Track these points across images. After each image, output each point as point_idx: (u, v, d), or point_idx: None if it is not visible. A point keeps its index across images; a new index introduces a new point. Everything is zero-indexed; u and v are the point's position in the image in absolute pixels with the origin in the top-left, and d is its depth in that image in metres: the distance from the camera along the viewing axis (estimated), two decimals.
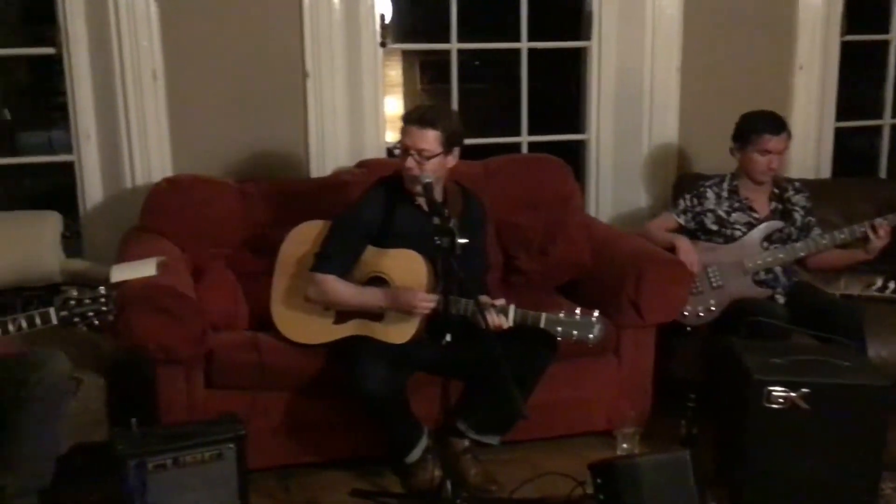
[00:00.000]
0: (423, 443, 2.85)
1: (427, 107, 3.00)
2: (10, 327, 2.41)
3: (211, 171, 3.54)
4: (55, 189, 4.52)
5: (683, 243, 3.35)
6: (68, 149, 3.60)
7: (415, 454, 2.84)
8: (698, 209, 3.47)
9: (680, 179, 3.97)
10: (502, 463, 3.00)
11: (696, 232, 3.47)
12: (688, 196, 3.52)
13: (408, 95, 7.76)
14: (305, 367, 2.89)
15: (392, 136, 3.83)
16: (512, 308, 2.77)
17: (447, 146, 2.85)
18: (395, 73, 7.40)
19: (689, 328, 3.33)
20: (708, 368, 3.24)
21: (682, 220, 3.49)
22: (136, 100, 3.43)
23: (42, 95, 7.72)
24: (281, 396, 2.89)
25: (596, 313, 2.76)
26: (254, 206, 3.36)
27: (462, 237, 2.51)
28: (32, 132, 6.51)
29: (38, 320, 2.43)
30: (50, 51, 3.46)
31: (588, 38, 4.01)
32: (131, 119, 3.44)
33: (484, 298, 2.78)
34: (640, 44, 3.96)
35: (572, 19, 4.17)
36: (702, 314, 3.33)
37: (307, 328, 2.92)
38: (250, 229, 3.33)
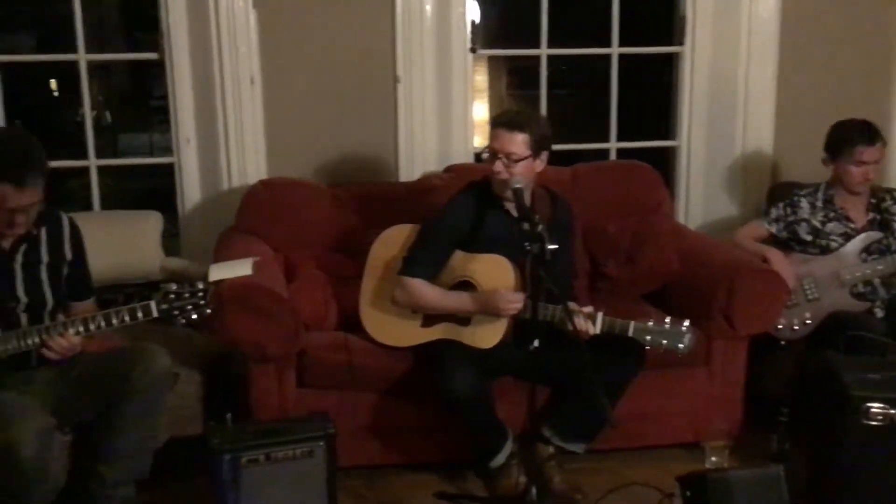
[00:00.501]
0: (508, 448, 2.85)
1: (516, 110, 3.01)
2: (114, 320, 2.51)
3: (303, 174, 3.63)
4: (154, 189, 4.69)
5: (776, 255, 3.28)
6: (165, 151, 3.73)
7: (499, 459, 2.84)
8: (791, 218, 3.39)
9: (774, 188, 3.86)
10: (587, 471, 2.97)
11: (789, 242, 3.39)
12: (780, 205, 3.43)
13: (493, 101, 7.76)
14: (393, 369, 2.93)
15: (479, 141, 3.87)
16: (600, 315, 2.76)
17: (535, 150, 2.86)
18: (480, 78, 7.42)
19: (783, 342, 3.25)
20: (802, 383, 3.14)
21: (773, 229, 3.41)
22: (234, 104, 3.53)
23: (141, 99, 8.03)
24: (369, 397, 2.94)
25: (686, 323, 2.72)
26: (344, 208, 3.43)
27: (551, 242, 2.50)
28: (133, 134, 6.76)
29: (139, 313, 2.52)
30: (153, 56, 3.60)
31: (681, 43, 3.94)
32: (229, 123, 3.54)
33: (572, 305, 2.77)
34: (735, 49, 3.88)
35: (663, 24, 4.12)
36: (797, 327, 3.24)
37: (395, 331, 2.96)
38: (341, 232, 3.40)
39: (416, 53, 3.66)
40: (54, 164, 2.93)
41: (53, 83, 6.68)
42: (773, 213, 3.44)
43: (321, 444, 2.62)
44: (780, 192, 3.68)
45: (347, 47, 3.63)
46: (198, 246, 3.64)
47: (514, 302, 2.78)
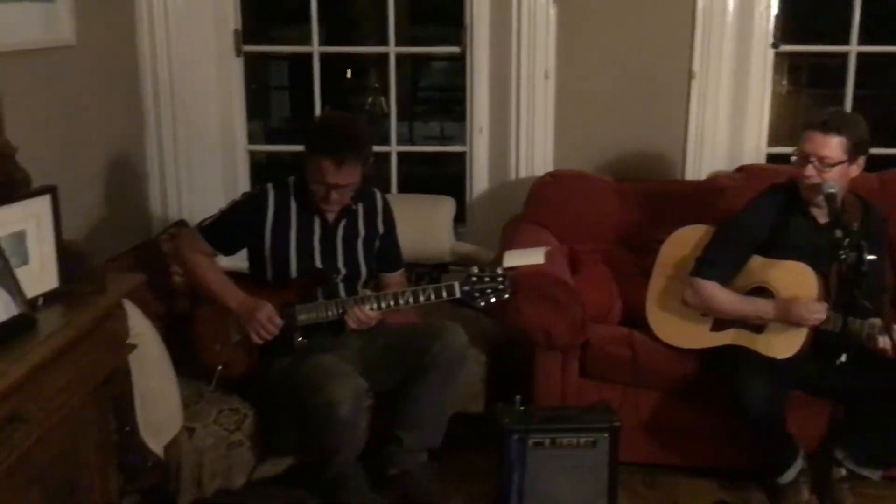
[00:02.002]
0: (798, 464, 2.73)
1: (832, 112, 2.84)
2: (421, 297, 2.69)
3: (588, 167, 3.65)
4: (441, 175, 4.92)
5: None
6: (426, 140, 3.86)
7: (788, 475, 2.72)
8: None
9: None
10: (883, 499, 2.78)
11: None
12: None
13: (773, 98, 7.35)
14: (678, 370, 2.89)
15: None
16: None
17: (852, 155, 2.70)
18: None
19: None
20: None
21: None
22: (527, 98, 3.62)
23: (407, 89, 8.43)
24: (651, 395, 2.92)
25: None
26: (630, 204, 3.43)
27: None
28: (425, 124, 7.12)
29: (444, 293, 2.68)
30: (455, 49, 3.77)
31: None
32: (521, 115, 3.64)
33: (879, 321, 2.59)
34: None
35: None
36: None
37: (682, 332, 2.91)
38: (626, 227, 3.40)
39: (715, 48, 3.56)
40: None
41: (349, 73, 7.19)
42: None
43: (606, 436, 2.64)
44: None
45: (643, 42, 3.60)
46: (482, 232, 3.78)
47: (818, 312, 2.65)
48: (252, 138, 4.04)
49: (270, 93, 9.00)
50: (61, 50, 2.90)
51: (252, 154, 3.96)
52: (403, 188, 4.05)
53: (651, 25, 3.58)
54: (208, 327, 2.74)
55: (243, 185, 3.85)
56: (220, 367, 2.70)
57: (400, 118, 6.97)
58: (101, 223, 3.17)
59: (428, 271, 3.59)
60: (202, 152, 3.75)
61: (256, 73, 8.08)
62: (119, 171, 3.39)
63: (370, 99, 7.08)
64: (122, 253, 2.96)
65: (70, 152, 2.93)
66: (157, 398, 2.44)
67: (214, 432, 2.61)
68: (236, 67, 3.77)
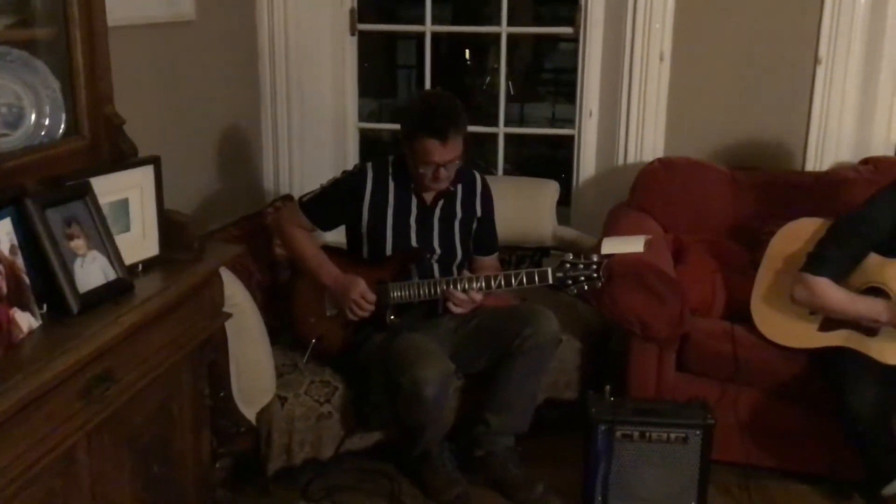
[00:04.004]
0: None
1: None
2: (514, 281, 2.67)
3: (700, 154, 3.52)
4: (553, 158, 4.85)
5: None
6: (540, 121, 3.77)
7: (894, 486, 2.56)
8: None
9: None
10: None
11: None
12: None
13: None
14: (781, 369, 2.76)
15: None
16: None
17: None
18: None
19: None
20: None
21: None
22: (640, 81, 3.51)
23: (529, 71, 8.32)
24: (751, 393, 2.80)
25: None
26: (743, 194, 3.30)
27: None
28: (540, 105, 7.07)
29: (536, 278, 2.65)
30: (568, 30, 3.70)
31: None
32: (633, 99, 3.53)
33: None
34: None
35: None
36: None
37: (789, 329, 2.78)
38: (737, 218, 3.27)
39: (844, 34, 3.35)
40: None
41: (467, 53, 7.17)
42: None
43: (698, 433, 2.57)
44: None
45: (766, 24, 3.42)
46: (588, 216, 3.71)
47: None
48: (375, 116, 4.07)
49: (398, 71, 9.09)
50: (182, 25, 3.01)
51: (369, 132, 4.00)
52: (516, 170, 4.01)
53: (776, 7, 3.40)
54: (304, 300, 2.81)
55: (353, 162, 3.92)
56: (313, 340, 2.77)
57: (516, 99, 6.93)
58: (217, 194, 3.30)
59: (529, 254, 3.56)
60: (314, 129, 3.83)
61: (386, 52, 8.19)
62: (235, 144, 3.51)
63: (488, 79, 7.05)
64: (229, 224, 3.06)
65: (189, 125, 3.05)
66: (252, 367, 2.53)
67: (305, 402, 2.68)
68: (350, 46, 3.83)
